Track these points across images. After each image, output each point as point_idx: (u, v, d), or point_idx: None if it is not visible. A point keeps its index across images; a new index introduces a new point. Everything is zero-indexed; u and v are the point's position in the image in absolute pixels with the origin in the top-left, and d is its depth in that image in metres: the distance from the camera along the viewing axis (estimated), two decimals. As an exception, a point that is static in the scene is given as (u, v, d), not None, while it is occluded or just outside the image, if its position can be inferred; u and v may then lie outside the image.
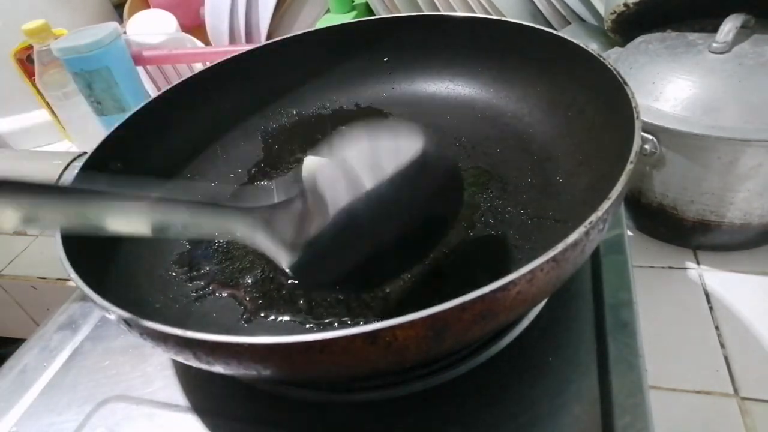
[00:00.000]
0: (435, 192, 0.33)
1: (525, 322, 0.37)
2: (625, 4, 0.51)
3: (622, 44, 0.55)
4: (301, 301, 0.37)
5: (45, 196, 0.25)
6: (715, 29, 0.45)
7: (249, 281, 0.40)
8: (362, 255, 0.31)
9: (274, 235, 0.30)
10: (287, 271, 0.31)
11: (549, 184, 0.42)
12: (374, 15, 0.81)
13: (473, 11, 0.70)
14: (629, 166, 0.29)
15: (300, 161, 0.50)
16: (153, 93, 0.77)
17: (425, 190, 0.32)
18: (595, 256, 0.41)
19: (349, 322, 0.35)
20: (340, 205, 0.30)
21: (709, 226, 0.47)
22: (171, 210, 0.28)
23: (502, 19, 0.49)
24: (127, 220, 0.27)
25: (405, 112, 0.54)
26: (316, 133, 0.54)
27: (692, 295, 0.47)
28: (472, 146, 0.48)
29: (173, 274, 0.41)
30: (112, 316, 0.28)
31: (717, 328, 0.44)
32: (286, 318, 0.36)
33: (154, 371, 0.39)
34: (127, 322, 0.27)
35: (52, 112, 0.83)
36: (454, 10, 0.71)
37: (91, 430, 0.36)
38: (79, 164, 0.40)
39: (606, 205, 0.27)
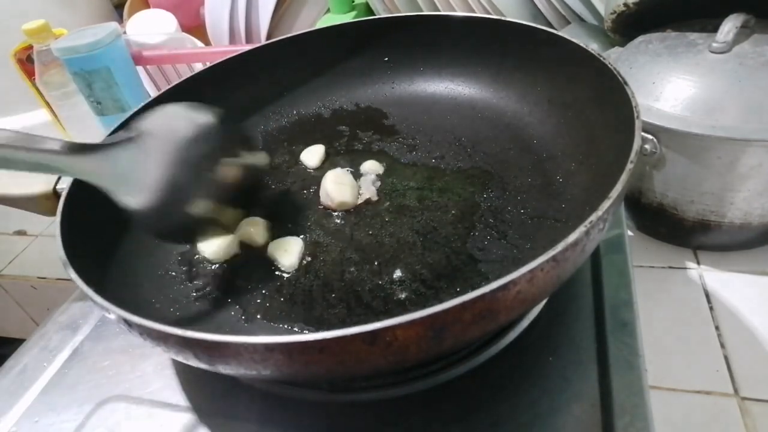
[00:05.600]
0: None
1: (525, 322, 0.37)
2: (625, 4, 0.51)
3: (622, 44, 0.55)
4: (301, 301, 0.37)
5: None
6: (715, 29, 0.45)
7: (249, 281, 0.40)
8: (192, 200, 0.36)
9: (113, 175, 0.33)
10: (132, 213, 0.34)
11: (549, 184, 0.42)
12: (374, 15, 0.81)
13: (473, 11, 0.70)
14: (629, 166, 0.29)
15: (299, 162, 0.51)
16: (153, 93, 0.77)
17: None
18: (595, 255, 0.41)
19: (355, 311, 0.35)
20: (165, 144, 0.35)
21: (709, 226, 0.47)
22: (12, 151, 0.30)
23: (502, 19, 0.49)
24: None
25: (405, 112, 0.54)
26: (316, 133, 0.54)
27: (692, 295, 0.47)
28: (472, 146, 0.48)
29: (173, 274, 0.41)
30: (112, 316, 0.28)
31: (717, 328, 0.44)
32: (286, 318, 0.36)
33: (154, 371, 0.39)
34: (127, 322, 0.27)
35: (52, 112, 0.83)
36: (454, 10, 0.72)
37: (91, 430, 0.36)
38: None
39: (606, 204, 0.27)
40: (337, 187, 0.44)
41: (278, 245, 0.41)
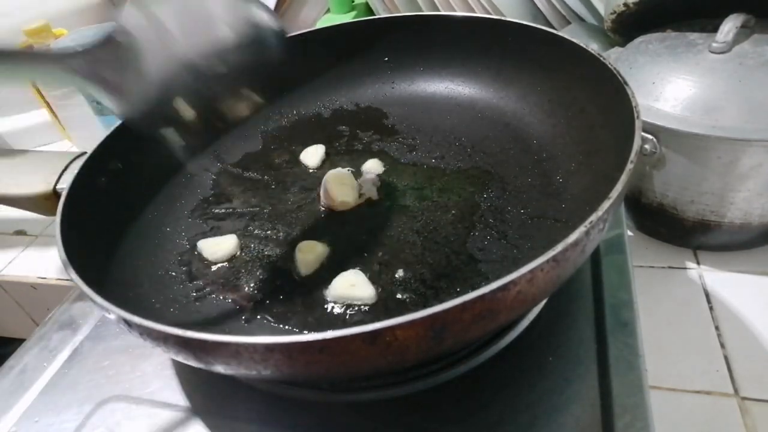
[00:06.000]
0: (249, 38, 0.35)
1: (525, 322, 0.37)
2: (625, 4, 0.51)
3: (622, 44, 0.55)
4: (301, 301, 0.37)
5: None
6: (715, 29, 0.45)
7: (249, 281, 0.40)
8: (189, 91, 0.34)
9: (97, 77, 0.32)
10: (122, 117, 0.34)
11: (549, 184, 0.42)
12: (374, 15, 0.81)
13: (473, 11, 0.70)
14: (629, 166, 0.29)
15: (299, 162, 0.51)
16: (153, 93, 0.77)
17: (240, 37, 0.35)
18: (595, 256, 0.41)
19: (354, 312, 0.35)
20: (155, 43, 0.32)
21: (709, 226, 0.47)
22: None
23: (502, 19, 0.49)
24: None
25: (405, 112, 0.54)
26: (316, 133, 0.54)
27: (692, 295, 0.47)
28: (472, 146, 0.48)
29: (173, 274, 0.41)
30: (112, 316, 0.28)
31: (717, 328, 0.44)
32: (286, 318, 0.36)
33: (154, 371, 0.39)
34: (127, 322, 0.27)
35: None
36: (454, 10, 0.72)
37: (91, 430, 0.36)
38: (79, 164, 0.40)
39: (606, 204, 0.27)
40: (339, 187, 0.44)
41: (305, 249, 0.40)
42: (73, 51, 0.31)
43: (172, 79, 0.33)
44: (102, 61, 0.32)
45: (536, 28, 0.46)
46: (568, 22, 0.68)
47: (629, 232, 0.54)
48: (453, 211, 0.42)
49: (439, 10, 0.72)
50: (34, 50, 0.32)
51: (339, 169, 0.47)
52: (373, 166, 0.48)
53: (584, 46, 0.41)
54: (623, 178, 0.28)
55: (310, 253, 0.39)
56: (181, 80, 0.33)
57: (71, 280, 0.30)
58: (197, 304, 0.39)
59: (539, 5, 0.68)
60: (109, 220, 0.40)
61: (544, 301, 0.38)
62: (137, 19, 0.32)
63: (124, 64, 0.32)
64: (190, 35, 0.33)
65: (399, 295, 0.36)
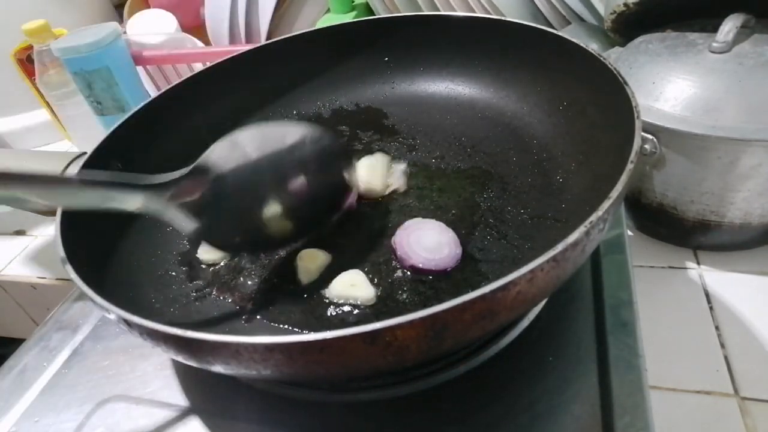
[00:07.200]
0: (319, 172, 0.39)
1: (525, 322, 0.37)
2: (625, 4, 0.51)
3: (622, 44, 0.55)
4: (301, 301, 0.37)
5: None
6: (715, 29, 0.45)
7: (249, 281, 0.40)
8: (255, 221, 0.37)
9: (177, 207, 0.34)
10: (188, 239, 0.36)
11: (549, 184, 0.42)
12: (374, 15, 0.81)
13: (473, 11, 0.70)
14: (629, 166, 0.29)
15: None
16: (153, 93, 0.77)
17: (310, 169, 0.38)
18: (595, 256, 0.41)
19: (353, 312, 0.35)
20: (232, 175, 0.35)
21: (709, 226, 0.47)
22: (86, 189, 0.31)
23: (502, 19, 0.49)
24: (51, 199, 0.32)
25: (405, 112, 0.54)
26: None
27: (692, 295, 0.47)
28: (472, 146, 0.48)
29: (173, 274, 0.41)
30: (112, 316, 0.28)
31: (717, 328, 0.44)
32: (286, 318, 0.36)
33: (154, 371, 0.39)
34: (127, 322, 0.27)
35: (52, 112, 0.83)
36: (454, 10, 0.71)
37: (91, 430, 0.36)
38: (78, 164, 0.40)
39: (606, 205, 0.27)
40: (368, 173, 0.44)
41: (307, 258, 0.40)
42: (164, 182, 0.33)
43: (245, 209, 0.36)
44: (183, 191, 0.34)
45: (536, 28, 0.46)
46: (568, 22, 0.68)
47: (629, 232, 0.54)
48: (453, 211, 0.42)
49: (439, 10, 0.72)
50: (124, 178, 0.33)
51: (377, 154, 0.47)
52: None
53: (584, 46, 0.41)
54: (623, 178, 0.28)
55: (311, 263, 0.39)
56: (253, 211, 0.36)
57: (71, 280, 0.30)
58: (197, 304, 0.39)
59: (539, 5, 0.68)
60: (109, 220, 0.40)
61: (544, 301, 0.38)
62: (223, 153, 0.35)
63: (202, 194, 0.35)
64: (268, 165, 0.37)
65: (399, 295, 0.36)
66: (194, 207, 0.35)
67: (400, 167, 0.47)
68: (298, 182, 0.38)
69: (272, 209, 0.37)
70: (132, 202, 0.33)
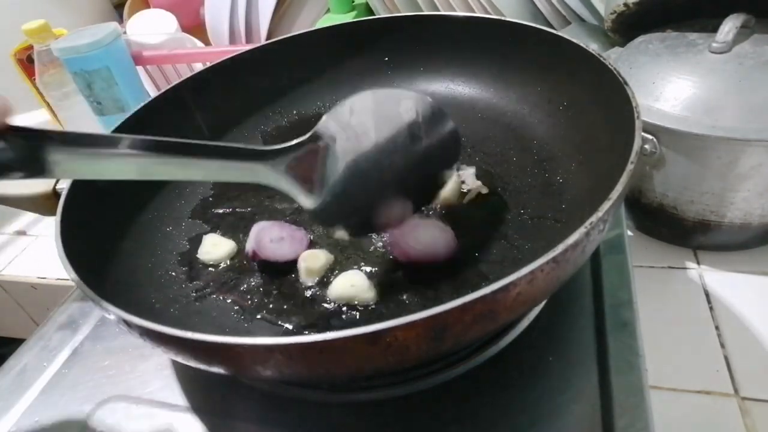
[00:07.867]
0: (433, 146, 0.38)
1: (525, 322, 0.37)
2: (625, 4, 0.51)
3: (622, 44, 0.55)
4: (301, 302, 0.37)
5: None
6: (715, 29, 0.45)
7: (249, 282, 0.40)
8: (372, 197, 0.36)
9: (293, 177, 0.34)
10: (307, 211, 0.35)
11: (549, 184, 0.42)
12: (374, 15, 0.81)
13: (473, 11, 0.70)
14: (629, 166, 0.29)
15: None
16: (153, 93, 0.77)
17: (425, 143, 0.37)
18: (595, 256, 0.41)
19: (354, 313, 0.35)
20: (349, 147, 0.35)
21: (709, 226, 0.47)
22: (199, 158, 0.31)
23: (502, 19, 0.49)
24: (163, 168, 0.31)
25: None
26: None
27: (692, 295, 0.47)
28: (472, 146, 0.48)
29: (173, 274, 0.41)
30: (112, 316, 0.28)
31: (717, 328, 0.44)
32: (286, 318, 0.36)
33: (154, 371, 0.39)
34: (126, 322, 0.27)
35: (52, 112, 0.83)
36: (454, 10, 0.71)
37: (91, 430, 0.36)
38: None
39: (606, 205, 0.27)
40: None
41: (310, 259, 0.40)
42: (277, 150, 0.33)
43: (358, 180, 0.35)
44: (300, 160, 0.34)
45: (536, 28, 0.46)
46: (568, 22, 0.68)
47: (629, 232, 0.54)
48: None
49: (439, 10, 0.72)
50: (240, 148, 0.32)
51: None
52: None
53: (584, 46, 0.41)
54: (623, 178, 0.28)
55: (314, 263, 0.39)
56: (365, 181, 0.36)
57: (71, 280, 0.30)
58: (197, 304, 0.39)
59: (539, 5, 0.68)
60: (109, 220, 0.40)
61: (545, 302, 0.38)
62: (334, 126, 0.35)
63: (319, 164, 0.35)
64: (379, 137, 0.36)
65: (399, 296, 0.36)
66: (310, 179, 0.34)
67: (470, 170, 0.45)
68: (417, 163, 0.37)
69: (392, 190, 0.37)
70: (250, 172, 0.32)
